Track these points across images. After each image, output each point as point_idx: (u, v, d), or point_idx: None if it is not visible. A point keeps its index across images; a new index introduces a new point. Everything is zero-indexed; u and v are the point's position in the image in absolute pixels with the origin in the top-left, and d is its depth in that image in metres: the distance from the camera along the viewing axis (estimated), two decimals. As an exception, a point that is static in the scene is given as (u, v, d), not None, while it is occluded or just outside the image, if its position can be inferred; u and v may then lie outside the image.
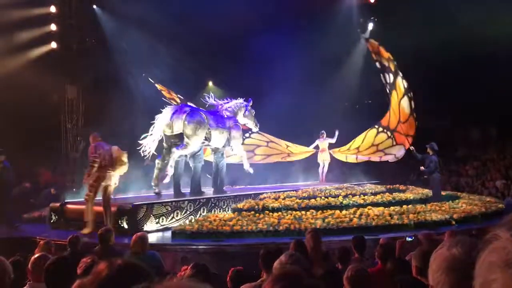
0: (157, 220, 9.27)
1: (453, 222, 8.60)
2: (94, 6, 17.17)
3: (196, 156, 11.07)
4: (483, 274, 0.87)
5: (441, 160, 11.09)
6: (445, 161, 18.12)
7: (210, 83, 19.61)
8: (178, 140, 10.54)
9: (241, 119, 11.86)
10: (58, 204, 10.45)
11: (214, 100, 11.50)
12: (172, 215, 9.53)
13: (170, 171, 10.40)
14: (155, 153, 10.41)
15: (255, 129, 12.49)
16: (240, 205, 10.07)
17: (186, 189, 11.29)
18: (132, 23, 16.94)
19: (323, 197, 10.42)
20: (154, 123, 10.37)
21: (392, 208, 9.60)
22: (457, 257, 1.23)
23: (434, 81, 16.56)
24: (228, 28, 15.39)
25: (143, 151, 10.17)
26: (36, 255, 3.73)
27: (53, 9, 16.10)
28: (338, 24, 17.13)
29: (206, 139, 10.77)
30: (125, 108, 15.29)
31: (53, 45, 16.18)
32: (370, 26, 18.84)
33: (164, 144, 10.76)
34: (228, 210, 10.40)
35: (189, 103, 11.93)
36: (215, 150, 11.48)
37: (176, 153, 10.39)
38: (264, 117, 13.59)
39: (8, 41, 13.93)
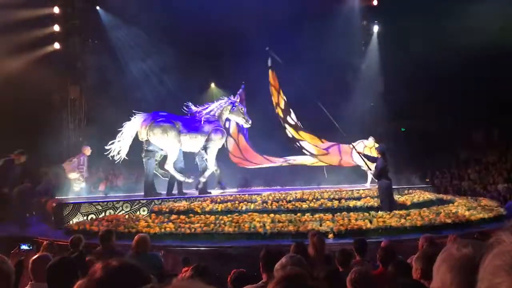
0: (85, 217, 10.13)
1: (331, 235, 7.96)
2: (97, 7, 17.24)
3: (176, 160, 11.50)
4: (488, 278, 0.87)
5: (387, 165, 9.68)
6: (447, 164, 18.12)
7: (213, 85, 19.62)
8: (148, 146, 11.15)
9: (231, 117, 12.12)
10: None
11: (196, 107, 11.75)
12: (103, 214, 10.28)
13: (188, 180, 11.38)
14: (126, 157, 10.98)
15: (246, 126, 12.40)
16: (154, 208, 10.29)
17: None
18: (134, 24, 16.99)
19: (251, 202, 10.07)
20: (121, 130, 11.01)
21: (278, 215, 9.07)
22: (469, 257, 1.23)
23: (437, 83, 16.55)
24: (230, 29, 15.39)
25: (111, 156, 10.83)
26: (37, 255, 3.73)
27: (56, 10, 16.18)
28: (341, 27, 17.14)
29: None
30: (127, 108, 15.29)
31: (56, 45, 16.24)
32: (375, 28, 18.87)
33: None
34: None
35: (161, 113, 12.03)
36: (197, 154, 11.73)
37: (168, 168, 11.09)
38: (266, 119, 13.59)
39: (12, 41, 13.95)
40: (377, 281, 3.72)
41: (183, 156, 11.88)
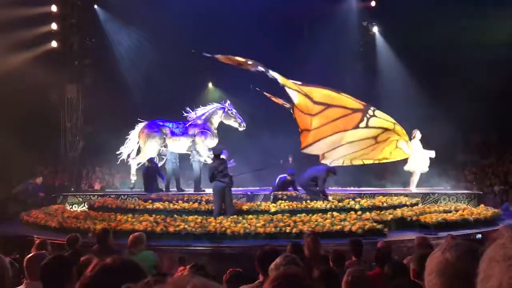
0: (70, 207, 11.87)
1: (90, 234, 8.09)
2: (95, 6, 17.21)
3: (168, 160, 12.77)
4: (484, 269, 0.93)
5: (219, 168, 9.12)
6: (445, 166, 18.13)
7: (210, 85, 19.61)
8: None
9: (224, 121, 12.55)
10: None
11: (193, 112, 12.61)
12: (83, 204, 11.90)
13: (132, 178, 12.71)
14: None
15: (240, 128, 12.58)
16: (94, 202, 11.22)
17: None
18: (132, 23, 16.97)
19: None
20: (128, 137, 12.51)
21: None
22: (449, 262, 1.26)
23: (435, 84, 16.56)
24: (227, 29, 15.41)
25: (121, 159, 12.45)
26: (32, 254, 3.72)
27: (54, 8, 16.13)
28: (339, 29, 17.16)
29: (165, 146, 12.45)
30: (124, 107, 15.31)
31: (54, 44, 16.20)
32: (375, 29, 18.88)
33: None
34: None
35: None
36: (191, 154, 12.45)
37: (132, 162, 12.56)
38: (265, 118, 13.58)
39: (9, 40, 13.91)
40: (373, 282, 3.73)
41: (179, 158, 12.73)
